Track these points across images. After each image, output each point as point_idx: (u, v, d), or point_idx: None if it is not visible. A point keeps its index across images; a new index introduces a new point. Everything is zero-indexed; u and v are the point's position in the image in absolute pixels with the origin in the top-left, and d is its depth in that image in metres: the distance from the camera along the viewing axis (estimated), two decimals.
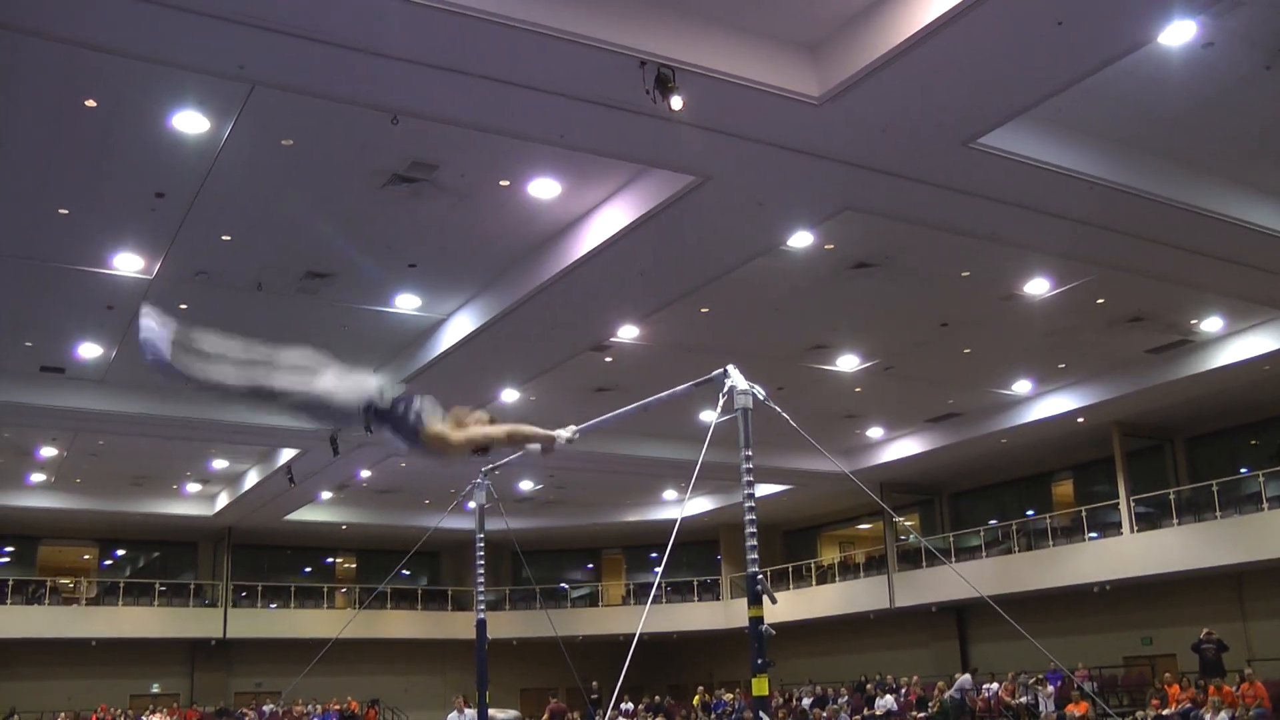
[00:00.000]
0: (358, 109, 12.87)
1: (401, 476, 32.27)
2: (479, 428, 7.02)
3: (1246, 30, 12.75)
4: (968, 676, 29.34)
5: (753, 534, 6.66)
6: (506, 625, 37.68)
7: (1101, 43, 11.82)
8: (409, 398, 6.96)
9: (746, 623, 6.50)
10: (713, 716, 32.82)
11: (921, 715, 27.60)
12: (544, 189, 15.50)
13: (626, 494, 36.66)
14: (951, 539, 33.67)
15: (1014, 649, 28.10)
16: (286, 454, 28.56)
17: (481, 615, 11.28)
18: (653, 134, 12.81)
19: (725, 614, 38.76)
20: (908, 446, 30.44)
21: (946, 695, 28.20)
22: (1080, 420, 27.25)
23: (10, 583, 35.99)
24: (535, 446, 7.61)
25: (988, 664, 31.48)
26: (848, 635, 37.24)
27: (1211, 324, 22.37)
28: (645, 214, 15.31)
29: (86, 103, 12.93)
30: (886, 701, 29.21)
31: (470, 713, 23.40)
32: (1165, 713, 22.43)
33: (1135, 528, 27.79)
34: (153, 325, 6.20)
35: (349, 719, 37.34)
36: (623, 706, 34.14)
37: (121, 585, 37.98)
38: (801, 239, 17.15)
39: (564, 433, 7.54)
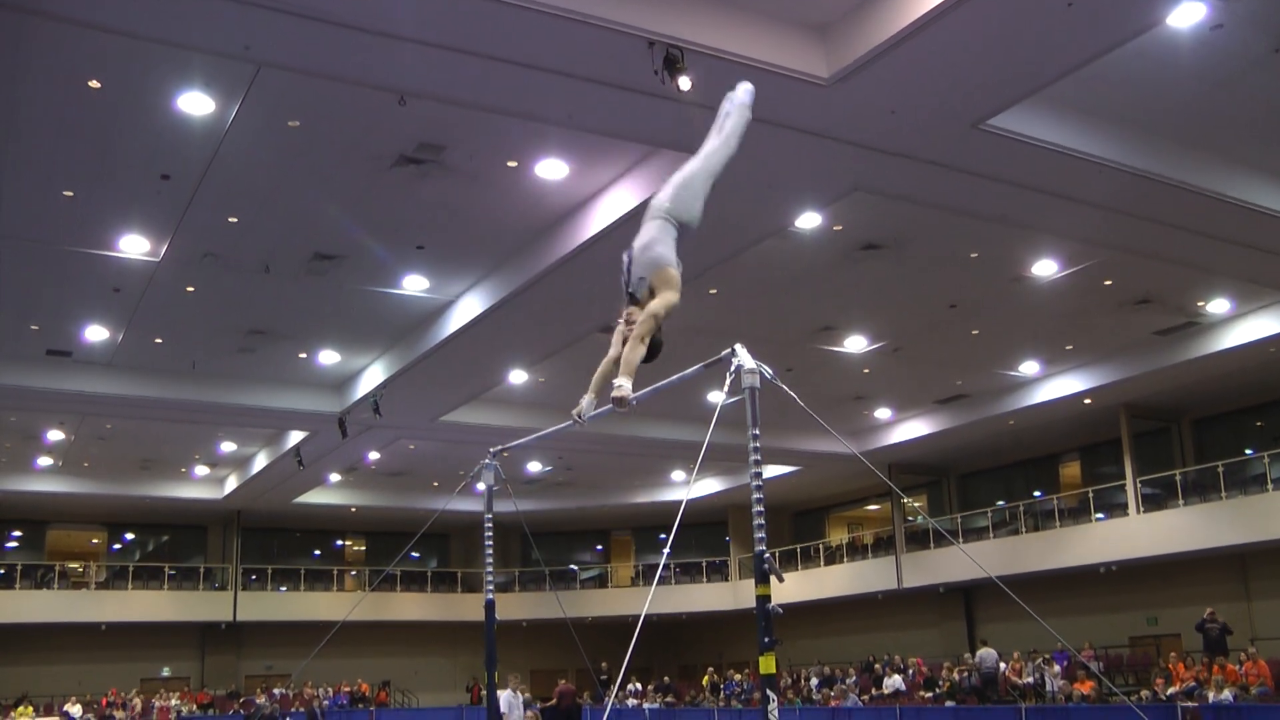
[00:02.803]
0: (364, 90, 12.85)
1: (410, 459, 32.33)
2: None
3: (1255, 13, 12.72)
4: (990, 651, 29.39)
5: (760, 514, 6.67)
6: (516, 607, 37.78)
7: (1111, 24, 11.78)
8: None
9: (755, 603, 6.51)
10: (722, 696, 32.90)
11: (929, 695, 27.64)
12: (552, 170, 15.48)
13: (635, 475, 36.70)
14: (959, 520, 33.70)
15: (1021, 629, 28.16)
16: (295, 437, 28.61)
17: (490, 597, 11.30)
18: (661, 115, 12.79)
19: (734, 595, 38.84)
20: (916, 428, 30.46)
21: (981, 670, 28.17)
22: (1088, 402, 27.24)
23: (19, 567, 36.20)
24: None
25: (995, 643, 31.52)
26: (856, 616, 37.34)
27: (1219, 306, 22.34)
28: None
29: (91, 84, 12.91)
30: (894, 681, 29.26)
31: (523, 696, 23.32)
32: (1170, 692, 22.46)
33: (1141, 509, 27.81)
34: None
35: (359, 701, 37.49)
36: (631, 687, 34.22)
37: (131, 569, 38.19)
38: (810, 220, 17.12)
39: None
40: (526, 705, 22.24)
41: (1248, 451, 27.14)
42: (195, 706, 34.79)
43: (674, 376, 7.59)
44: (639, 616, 6.64)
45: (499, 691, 22.39)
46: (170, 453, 32.01)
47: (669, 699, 34.21)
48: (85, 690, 34.78)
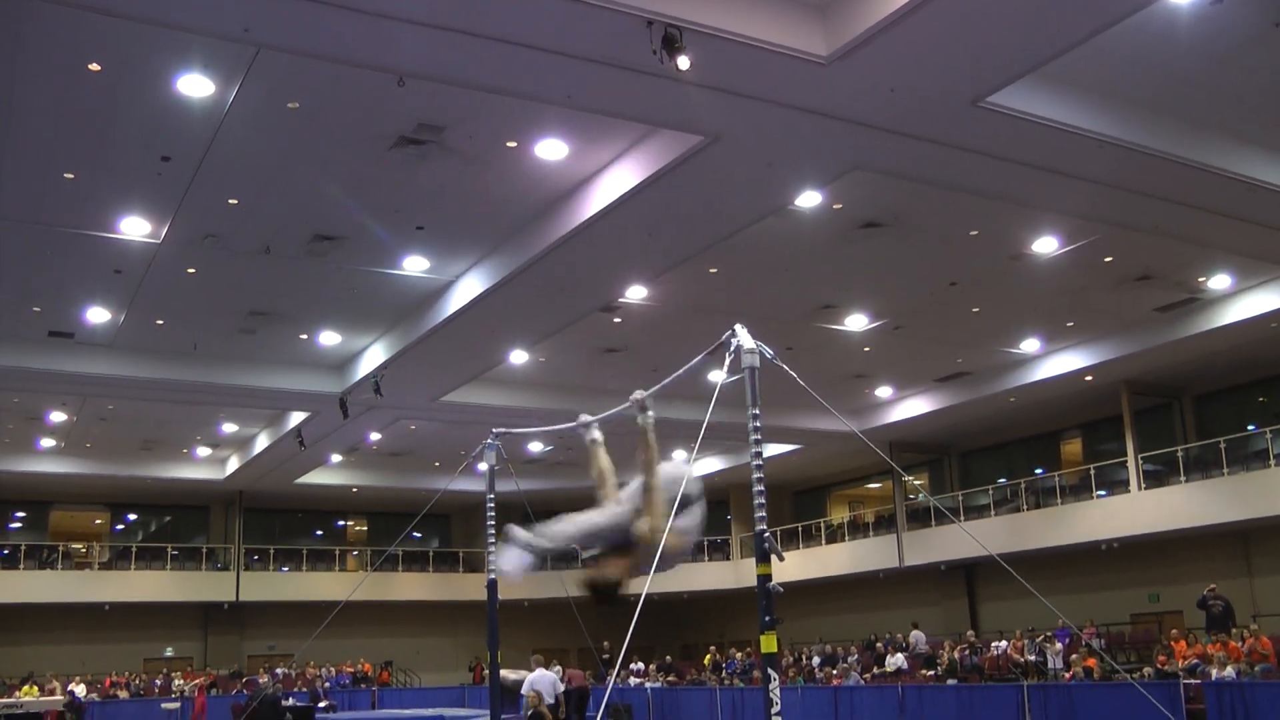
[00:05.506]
0: (364, 71, 12.84)
1: (412, 439, 32.37)
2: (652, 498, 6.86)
3: None
4: (920, 634, 30.83)
5: (760, 492, 6.69)
6: (517, 587, 37.67)
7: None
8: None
9: (756, 581, 6.53)
10: (724, 674, 32.98)
11: (930, 673, 27.72)
12: (552, 150, 15.47)
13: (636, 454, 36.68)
14: (960, 498, 33.75)
15: (1022, 606, 28.18)
16: (296, 417, 28.66)
17: (492, 577, 11.34)
18: (660, 94, 12.79)
19: (735, 573, 38.87)
20: (916, 406, 30.47)
21: (915, 652, 28.98)
22: (1089, 378, 27.24)
23: (23, 548, 36.29)
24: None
25: (996, 621, 31.63)
26: (857, 594, 37.40)
27: (1220, 281, 22.32)
28: (653, 174, 15.28)
29: (91, 67, 12.91)
30: (896, 660, 29.33)
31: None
32: (1172, 668, 22.50)
33: (1143, 485, 27.85)
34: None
35: (362, 681, 37.60)
36: (633, 666, 34.29)
37: (134, 549, 38.31)
38: (810, 199, 17.10)
39: (641, 417, 7.71)
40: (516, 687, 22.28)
41: (1249, 427, 27.08)
42: (190, 685, 34.87)
43: (680, 371, 7.62)
44: (640, 596, 6.66)
45: (539, 671, 22.47)
46: (172, 433, 32.07)
47: (671, 678, 34.27)
48: (89, 670, 34.92)
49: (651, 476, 6.94)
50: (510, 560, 7.41)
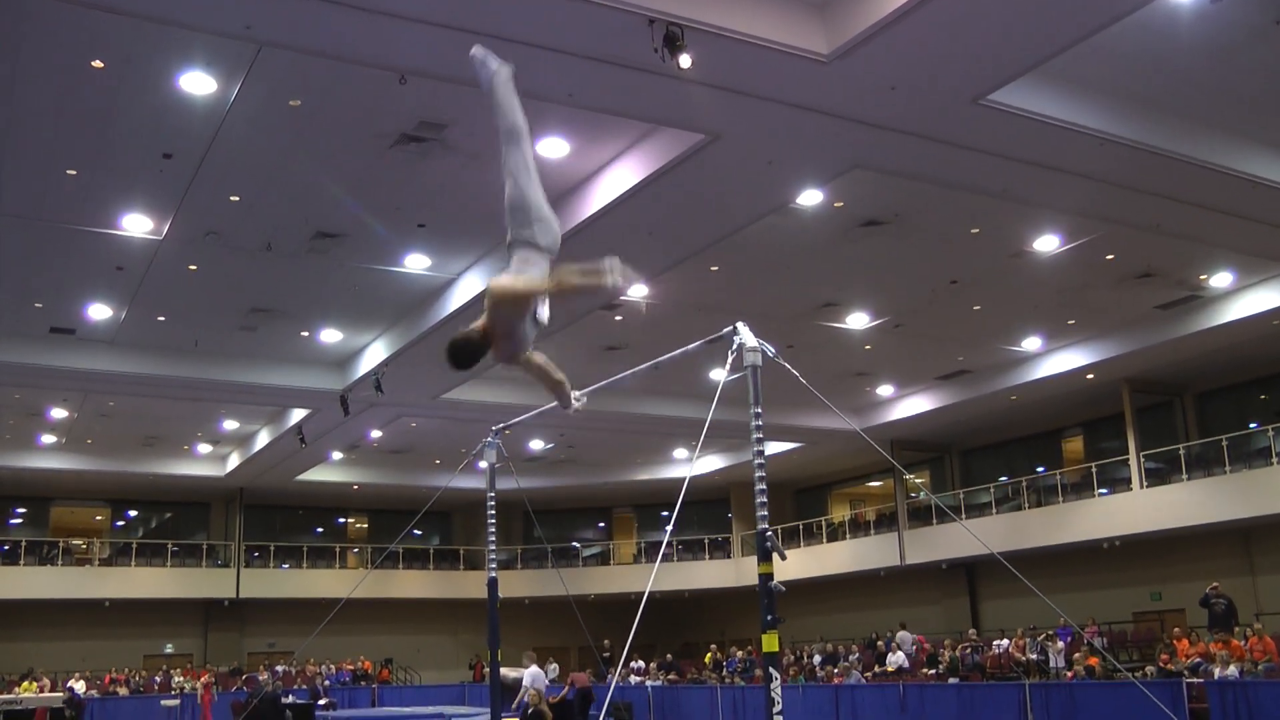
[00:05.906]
0: (365, 69, 12.84)
1: (412, 436, 32.37)
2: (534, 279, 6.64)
3: None
4: (907, 634, 30.61)
5: (762, 491, 6.70)
6: (518, 584, 37.82)
7: None
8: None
9: (757, 580, 6.54)
10: (725, 673, 32.99)
11: (931, 672, 27.71)
12: (553, 148, 15.46)
13: (637, 453, 36.73)
14: (962, 496, 33.76)
15: (1024, 605, 28.15)
16: (297, 414, 28.66)
17: (493, 575, 11.35)
18: (662, 92, 12.79)
19: (736, 572, 38.87)
20: (918, 404, 30.46)
21: (904, 650, 29.35)
22: (1090, 376, 27.23)
23: (24, 544, 36.29)
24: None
25: (998, 620, 31.62)
26: (858, 592, 37.38)
27: (1221, 279, 22.32)
28: (654, 173, 15.29)
29: (94, 64, 12.91)
30: (897, 658, 29.32)
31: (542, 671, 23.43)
32: (1174, 667, 22.49)
33: (1145, 483, 27.84)
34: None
35: (362, 678, 37.60)
36: (634, 665, 34.30)
37: (134, 546, 38.28)
38: (811, 197, 17.10)
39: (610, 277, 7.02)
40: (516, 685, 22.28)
41: (1251, 425, 27.09)
42: (198, 683, 34.92)
43: (676, 351, 7.60)
44: (642, 594, 6.68)
45: (534, 669, 22.46)
46: (173, 430, 32.06)
47: (672, 676, 34.27)
48: (89, 666, 34.96)
49: (572, 282, 6.86)
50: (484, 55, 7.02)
